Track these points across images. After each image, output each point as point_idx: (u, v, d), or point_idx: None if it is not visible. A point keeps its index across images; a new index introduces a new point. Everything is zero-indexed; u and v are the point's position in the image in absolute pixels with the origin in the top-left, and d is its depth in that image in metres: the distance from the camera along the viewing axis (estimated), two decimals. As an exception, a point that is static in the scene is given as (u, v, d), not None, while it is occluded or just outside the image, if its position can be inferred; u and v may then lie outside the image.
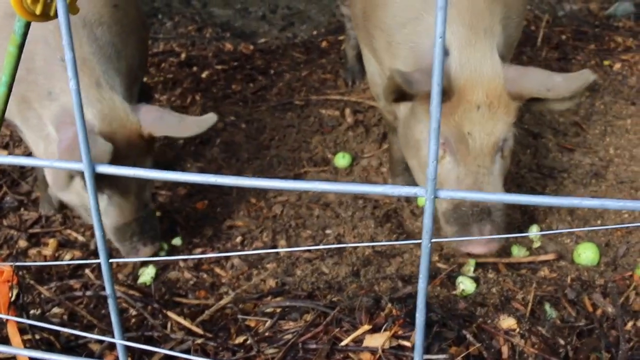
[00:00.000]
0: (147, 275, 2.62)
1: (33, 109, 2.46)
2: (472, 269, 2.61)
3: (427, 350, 2.11)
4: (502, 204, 2.44)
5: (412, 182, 3.06)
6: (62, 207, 3.02)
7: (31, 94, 2.42)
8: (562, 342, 2.22)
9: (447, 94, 2.31)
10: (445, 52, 2.35)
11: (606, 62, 4.19)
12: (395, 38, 2.50)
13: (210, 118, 2.47)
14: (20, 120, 2.55)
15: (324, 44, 4.62)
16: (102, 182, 2.40)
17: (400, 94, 2.34)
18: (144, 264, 2.69)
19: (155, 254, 2.67)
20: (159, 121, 2.47)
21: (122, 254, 2.65)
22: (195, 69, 4.36)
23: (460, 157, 2.40)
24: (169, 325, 2.34)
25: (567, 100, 2.33)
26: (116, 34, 2.60)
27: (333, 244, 2.80)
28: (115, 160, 2.29)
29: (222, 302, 2.43)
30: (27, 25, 1.45)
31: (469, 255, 2.58)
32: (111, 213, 2.54)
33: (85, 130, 1.09)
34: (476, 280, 2.55)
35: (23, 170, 3.25)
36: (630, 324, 2.31)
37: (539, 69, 2.38)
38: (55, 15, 1.15)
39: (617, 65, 4.15)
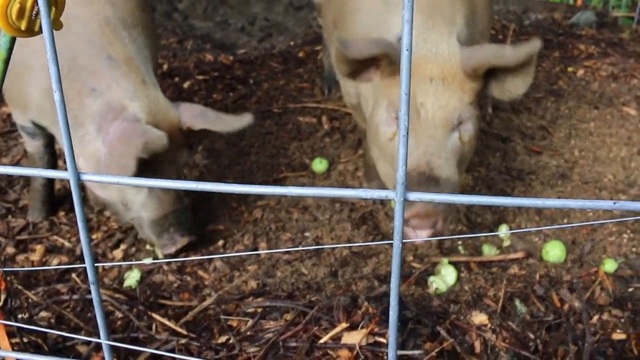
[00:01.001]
0: (132, 279, 2.65)
1: (70, 108, 2.47)
2: (450, 269, 2.64)
3: (403, 346, 2.16)
4: (454, 179, 2.38)
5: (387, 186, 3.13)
6: (50, 214, 3.06)
7: (71, 91, 2.46)
8: (531, 336, 2.28)
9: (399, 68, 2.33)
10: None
11: (570, 69, 4.29)
12: None
13: (247, 118, 2.61)
14: (51, 121, 2.59)
15: (300, 54, 4.68)
16: (143, 174, 2.43)
17: (351, 66, 2.39)
18: (130, 268, 2.72)
19: (189, 245, 2.76)
20: (199, 116, 2.59)
21: (158, 247, 2.72)
22: (177, 79, 4.40)
23: (411, 127, 2.34)
24: (153, 326, 2.37)
25: (519, 76, 2.34)
26: (147, 36, 2.70)
27: (312, 245, 2.85)
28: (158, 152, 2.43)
29: (205, 304, 2.47)
30: (13, 41, 1.48)
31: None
32: (151, 205, 2.63)
33: (70, 140, 1.11)
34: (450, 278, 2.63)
35: (10, 179, 3.27)
36: (595, 317, 2.38)
37: (493, 44, 2.43)
38: (40, 31, 1.15)
39: (581, 72, 4.25)
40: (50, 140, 2.90)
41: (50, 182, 3.01)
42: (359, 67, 2.44)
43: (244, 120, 2.60)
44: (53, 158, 2.98)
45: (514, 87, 2.39)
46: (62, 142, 2.58)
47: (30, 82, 2.54)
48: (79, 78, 2.45)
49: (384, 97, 2.47)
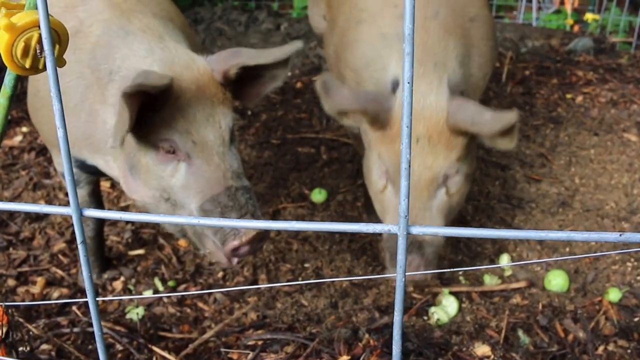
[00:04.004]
0: (134, 314, 2.62)
1: (98, 117, 2.20)
2: (451, 299, 2.63)
3: (405, 378, 2.16)
4: (438, 240, 2.36)
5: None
6: (103, 270, 2.89)
7: (97, 93, 2.19)
8: (535, 367, 2.26)
9: (389, 123, 2.31)
10: (396, 84, 2.40)
11: (569, 95, 4.29)
12: (362, 77, 2.58)
13: (295, 45, 2.19)
14: (90, 150, 2.30)
15: (298, 84, 4.69)
16: (179, 139, 2.05)
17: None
18: (132, 301, 2.70)
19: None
20: (231, 56, 2.16)
21: (218, 243, 2.08)
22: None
23: (398, 187, 2.29)
24: (154, 359, 2.37)
25: (501, 138, 2.26)
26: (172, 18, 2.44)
27: (311, 276, 2.85)
28: (186, 107, 2.05)
29: (206, 336, 2.47)
30: (17, 79, 1.50)
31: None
32: (195, 186, 2.07)
33: (72, 173, 1.12)
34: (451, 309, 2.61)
35: (11, 211, 3.27)
36: (601, 348, 2.36)
37: (477, 104, 2.32)
38: (44, 69, 1.17)
39: (579, 98, 4.26)
40: (95, 188, 2.68)
41: (98, 234, 2.84)
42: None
43: (292, 47, 2.17)
44: (101, 208, 2.72)
45: (502, 145, 2.31)
46: (107, 171, 2.33)
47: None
48: (100, 74, 2.15)
49: (374, 148, 2.45)
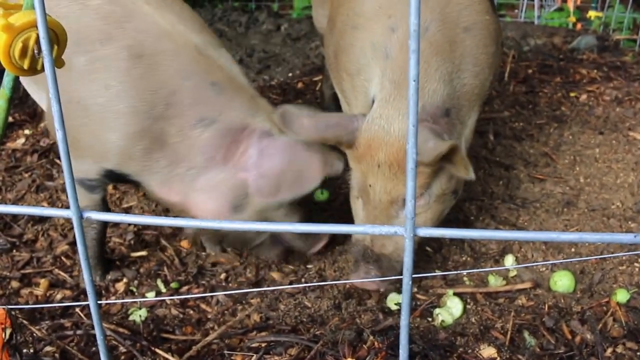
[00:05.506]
0: (137, 316, 2.61)
1: (167, 147, 2.41)
2: (455, 301, 2.61)
3: (411, 380, 2.16)
4: (397, 253, 2.48)
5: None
6: (106, 272, 2.90)
7: (171, 128, 2.38)
8: (542, 369, 2.23)
9: (355, 144, 2.39)
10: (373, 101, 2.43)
11: (572, 94, 4.26)
12: (355, 83, 2.58)
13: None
14: (140, 166, 2.45)
15: (299, 85, 4.66)
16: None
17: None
18: (136, 303, 2.69)
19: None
20: (313, 126, 2.43)
21: (305, 248, 2.78)
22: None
23: (365, 202, 2.50)
24: (157, 362, 2.35)
25: (455, 167, 2.29)
26: (227, 52, 2.65)
27: (314, 278, 2.83)
28: None
29: (209, 338, 2.45)
30: (16, 80, 1.49)
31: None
32: (294, 215, 2.66)
33: (72, 177, 1.11)
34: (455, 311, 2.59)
35: (14, 214, 3.24)
36: (609, 350, 2.33)
37: (429, 131, 2.28)
38: (42, 69, 1.17)
39: (583, 97, 4.22)
40: (105, 194, 2.74)
41: (101, 237, 2.84)
42: None
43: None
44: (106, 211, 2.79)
45: (460, 173, 2.33)
46: (149, 189, 2.52)
47: (114, 127, 2.35)
48: (180, 113, 2.36)
49: (353, 165, 2.54)
